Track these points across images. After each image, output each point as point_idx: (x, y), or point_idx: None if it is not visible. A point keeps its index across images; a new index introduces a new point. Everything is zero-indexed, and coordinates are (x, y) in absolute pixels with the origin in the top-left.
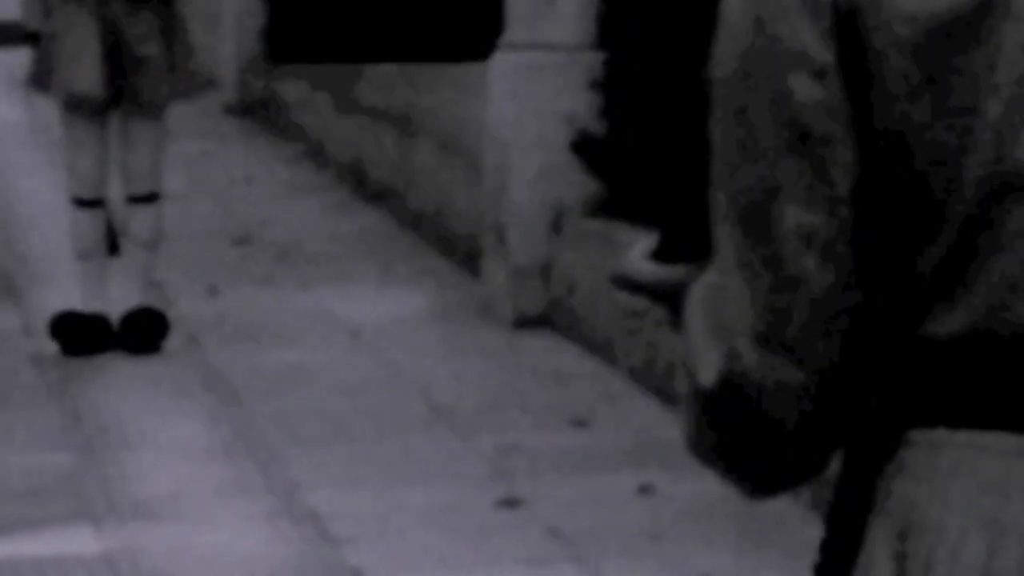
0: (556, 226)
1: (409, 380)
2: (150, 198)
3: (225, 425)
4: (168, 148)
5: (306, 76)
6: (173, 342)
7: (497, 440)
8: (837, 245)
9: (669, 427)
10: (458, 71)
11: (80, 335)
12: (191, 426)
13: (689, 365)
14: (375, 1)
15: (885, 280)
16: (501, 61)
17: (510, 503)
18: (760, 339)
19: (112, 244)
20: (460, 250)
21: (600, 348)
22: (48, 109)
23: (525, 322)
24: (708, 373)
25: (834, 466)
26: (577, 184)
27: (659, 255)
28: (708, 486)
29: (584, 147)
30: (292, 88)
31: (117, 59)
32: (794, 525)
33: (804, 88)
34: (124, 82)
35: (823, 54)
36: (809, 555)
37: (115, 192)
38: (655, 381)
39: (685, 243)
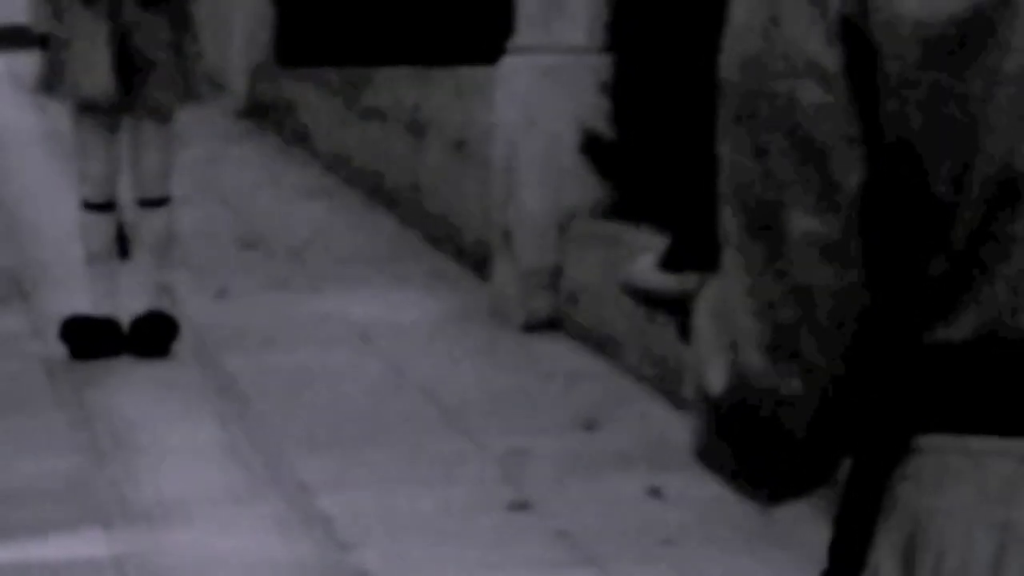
0: (565, 229)
1: (419, 383)
2: (160, 202)
3: (235, 428)
4: (178, 152)
5: (315, 79)
6: (183, 346)
7: (507, 443)
8: (845, 252)
9: (679, 430)
10: (467, 74)
11: (90, 339)
12: (201, 429)
13: (697, 373)
14: (384, 4)
15: (892, 286)
16: (510, 64)
17: (520, 506)
18: (768, 347)
19: (122, 248)
20: (469, 253)
21: (610, 350)
22: (58, 113)
23: (534, 325)
24: (716, 381)
25: (843, 471)
26: (586, 187)
27: (667, 264)
28: (718, 489)
29: (593, 150)
30: (301, 91)
31: (127, 63)
32: (804, 529)
33: (811, 94)
34: (134, 86)
35: (830, 60)
36: (818, 559)
37: (125, 196)
38: (665, 383)
39: (693, 252)
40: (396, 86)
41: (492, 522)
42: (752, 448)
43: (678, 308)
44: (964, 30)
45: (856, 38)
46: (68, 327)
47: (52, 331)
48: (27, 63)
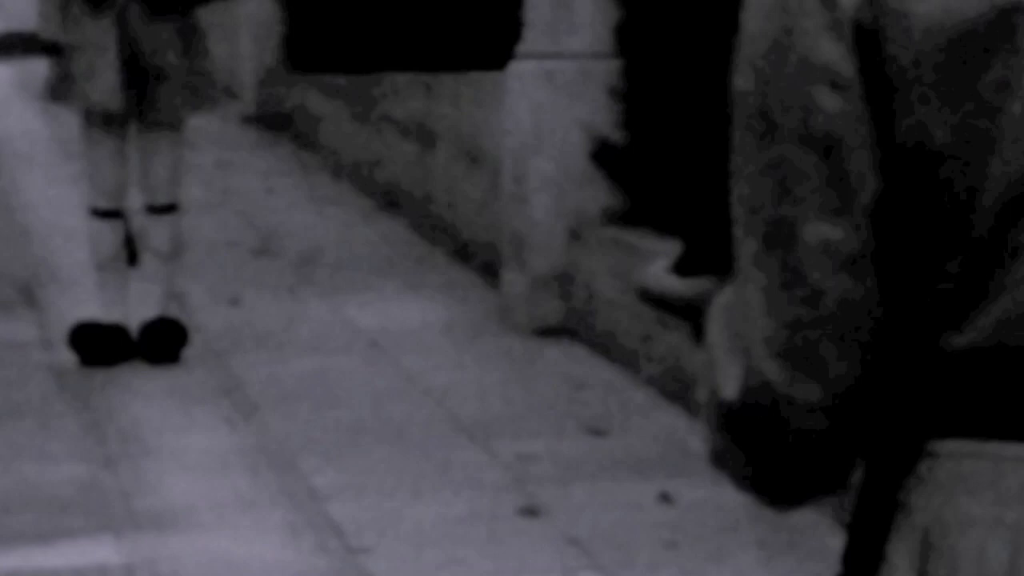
0: (575, 234)
1: (428, 389)
2: (169, 209)
3: (245, 435)
4: (187, 159)
5: (324, 86)
6: (192, 352)
7: (517, 449)
8: (859, 258)
9: (689, 435)
10: (476, 80)
11: (99, 345)
12: (211, 436)
13: (711, 379)
14: (393, 11)
15: (906, 292)
16: (519, 70)
17: (530, 512)
18: (783, 353)
19: (132, 255)
20: (479, 259)
21: (619, 356)
22: (67, 120)
23: (544, 331)
24: (730, 387)
25: (857, 476)
26: (596, 192)
27: (681, 268)
28: (728, 494)
29: (602, 155)
30: (311, 98)
31: (136, 70)
32: (815, 534)
33: (826, 101)
34: (143, 93)
35: (845, 67)
36: (830, 565)
37: (134, 203)
38: (675, 389)
39: (706, 256)
40: (405, 93)
41: (502, 528)
42: (766, 453)
43: (691, 313)
44: (979, 37)
45: (870, 45)
46: (77, 334)
47: (61, 338)
48: (36, 70)
